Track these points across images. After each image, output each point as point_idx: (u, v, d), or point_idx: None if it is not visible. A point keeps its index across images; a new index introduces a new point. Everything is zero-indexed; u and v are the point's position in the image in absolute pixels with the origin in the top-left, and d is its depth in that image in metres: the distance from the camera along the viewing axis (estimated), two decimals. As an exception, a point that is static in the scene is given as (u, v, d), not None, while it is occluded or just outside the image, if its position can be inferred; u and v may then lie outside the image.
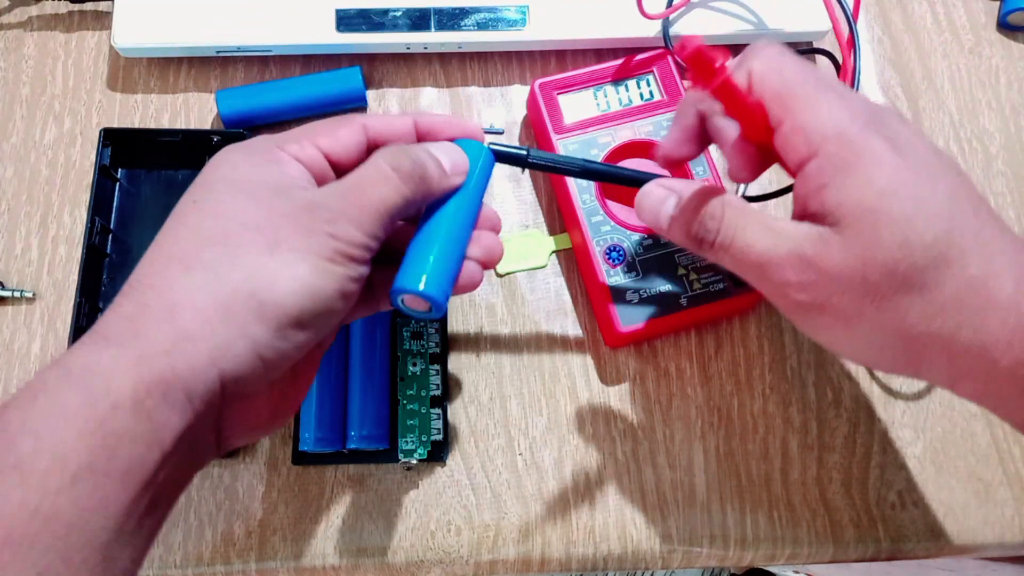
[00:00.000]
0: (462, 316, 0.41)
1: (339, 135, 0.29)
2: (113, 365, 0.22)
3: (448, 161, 0.30)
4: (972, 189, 0.27)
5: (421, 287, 0.28)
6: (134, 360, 0.23)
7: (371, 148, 0.30)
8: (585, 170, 0.35)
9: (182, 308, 0.24)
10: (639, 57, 0.42)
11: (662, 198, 0.31)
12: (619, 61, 0.42)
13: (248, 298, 0.24)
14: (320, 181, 0.28)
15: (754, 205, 0.33)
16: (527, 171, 0.44)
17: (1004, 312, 0.24)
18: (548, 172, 0.35)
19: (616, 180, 0.37)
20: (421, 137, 0.31)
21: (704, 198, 0.30)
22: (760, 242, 0.27)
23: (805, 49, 0.46)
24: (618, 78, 0.42)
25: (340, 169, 0.29)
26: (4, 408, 0.22)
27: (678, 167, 0.34)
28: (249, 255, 0.25)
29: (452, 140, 0.31)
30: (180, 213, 0.26)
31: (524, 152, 0.33)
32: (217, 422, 0.25)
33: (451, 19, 0.43)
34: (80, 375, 0.22)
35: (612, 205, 0.40)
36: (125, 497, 0.22)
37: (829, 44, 0.46)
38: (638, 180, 0.37)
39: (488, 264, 0.31)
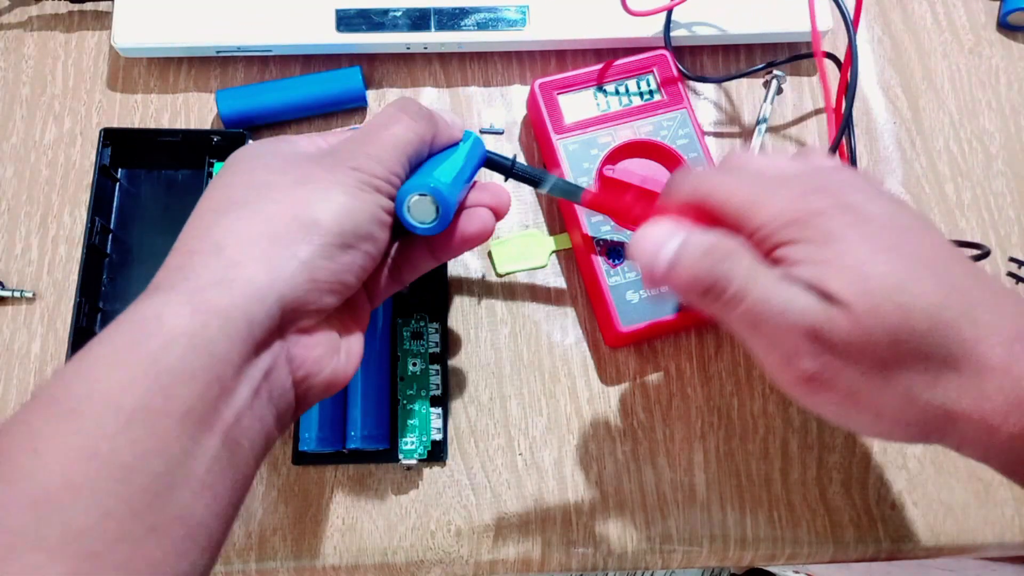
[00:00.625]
0: (462, 316, 0.41)
1: (340, 135, 0.30)
2: (164, 305, 0.23)
3: (448, 117, 0.32)
4: (944, 239, 0.26)
5: (430, 183, 0.28)
6: (186, 296, 0.23)
7: None
8: (560, 189, 0.36)
9: (227, 242, 0.24)
10: (640, 57, 0.42)
11: (664, 237, 0.28)
12: (601, 65, 0.42)
13: (290, 221, 0.25)
14: None
15: None
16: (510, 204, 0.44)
17: (999, 377, 0.24)
18: (527, 183, 0.35)
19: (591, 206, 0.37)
20: None
21: (720, 240, 0.27)
22: (778, 298, 0.25)
23: (805, 54, 0.46)
24: (617, 78, 0.42)
25: None
26: (63, 366, 0.22)
27: None
28: (280, 189, 0.26)
29: None
30: (206, 192, 0.27)
31: (512, 159, 0.34)
32: (288, 364, 0.25)
33: (451, 19, 0.43)
34: (131, 322, 0.22)
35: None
36: (186, 438, 0.21)
37: (829, 45, 0.46)
38: (614, 212, 0.37)
39: (498, 211, 0.32)
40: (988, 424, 0.24)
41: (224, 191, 0.26)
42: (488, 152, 0.34)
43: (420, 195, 0.28)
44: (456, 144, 0.32)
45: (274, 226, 0.25)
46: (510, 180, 0.35)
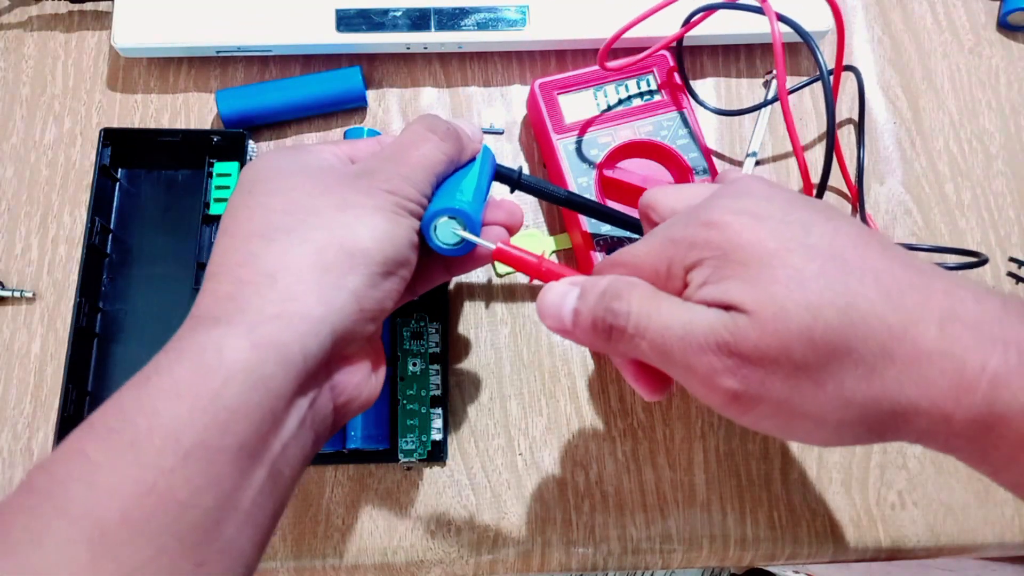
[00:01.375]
0: (462, 316, 0.41)
1: (358, 145, 0.31)
2: (223, 340, 0.23)
3: (468, 128, 0.32)
4: (851, 224, 0.25)
5: (455, 204, 0.29)
6: (245, 331, 0.23)
7: None
8: (569, 199, 0.36)
9: (280, 273, 0.24)
10: (640, 56, 0.42)
11: (563, 293, 0.27)
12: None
13: (338, 251, 0.25)
14: None
15: None
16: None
17: (938, 361, 0.22)
18: (535, 195, 0.35)
19: (598, 216, 0.38)
20: None
21: (614, 280, 0.26)
22: (678, 321, 0.24)
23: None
24: (618, 78, 0.42)
25: None
26: (118, 392, 0.22)
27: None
28: (322, 215, 0.26)
29: None
30: (236, 206, 0.27)
31: (517, 170, 0.35)
32: (331, 388, 0.26)
33: (451, 19, 0.43)
34: (192, 354, 0.22)
35: (612, 205, 0.40)
36: (237, 473, 0.22)
37: (830, 43, 0.46)
38: (619, 219, 0.37)
39: (512, 227, 0.33)
40: (941, 411, 0.22)
41: (264, 214, 0.26)
42: (499, 166, 0.34)
43: (448, 218, 0.29)
44: (474, 158, 0.33)
45: (324, 257, 0.25)
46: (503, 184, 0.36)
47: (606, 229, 0.40)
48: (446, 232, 0.29)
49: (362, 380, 0.27)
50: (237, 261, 0.25)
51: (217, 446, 0.21)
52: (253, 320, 0.23)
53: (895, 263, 0.24)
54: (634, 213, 0.41)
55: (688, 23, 0.40)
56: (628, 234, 0.40)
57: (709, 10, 0.39)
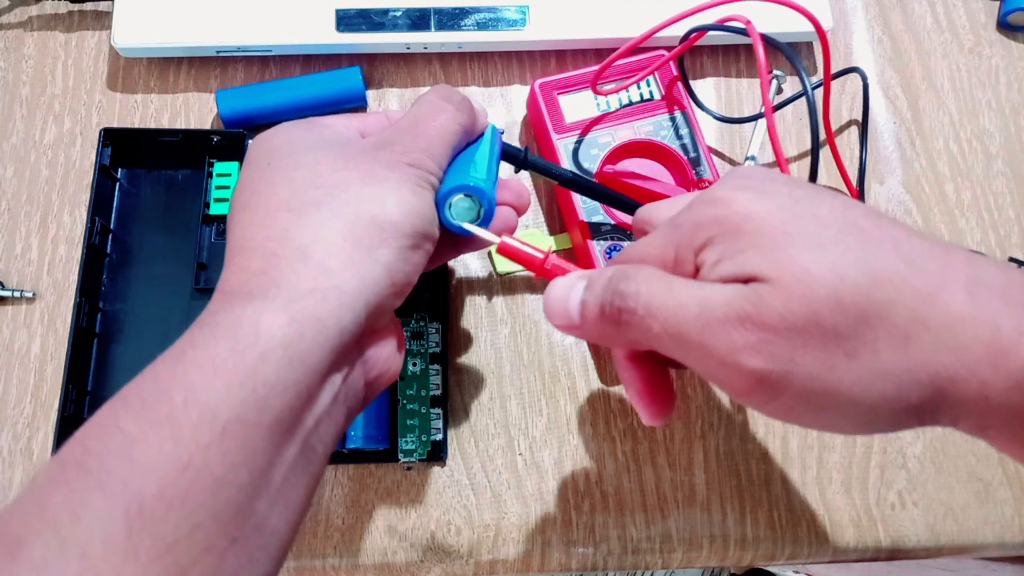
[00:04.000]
0: (462, 316, 0.41)
1: (367, 120, 0.30)
2: (259, 315, 0.22)
3: (476, 105, 0.31)
4: (858, 202, 0.24)
5: (470, 181, 0.28)
6: (282, 305, 0.23)
7: None
8: (574, 181, 0.36)
9: (313, 247, 0.24)
10: (641, 56, 0.42)
11: (568, 286, 0.26)
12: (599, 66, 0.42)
13: (369, 224, 0.25)
14: None
15: None
16: (529, 173, 0.44)
17: (971, 326, 0.21)
18: (542, 174, 0.35)
19: (600, 198, 0.38)
20: None
21: (621, 266, 0.25)
22: (693, 299, 0.23)
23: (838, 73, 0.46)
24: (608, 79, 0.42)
25: None
26: (152, 366, 0.22)
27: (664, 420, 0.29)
28: (350, 189, 0.25)
29: None
30: (256, 180, 0.26)
31: (524, 149, 0.34)
32: (363, 363, 0.26)
33: (451, 19, 0.43)
34: (228, 328, 0.22)
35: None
36: (272, 449, 0.22)
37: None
38: (621, 201, 0.37)
39: (520, 207, 0.33)
40: (979, 380, 0.21)
41: (291, 187, 0.26)
42: (505, 144, 0.34)
43: (464, 195, 0.28)
44: (482, 135, 0.32)
45: (356, 230, 0.24)
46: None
47: (606, 229, 0.40)
48: (460, 210, 0.29)
49: (391, 354, 0.27)
50: (267, 235, 0.24)
51: (254, 422, 0.21)
52: (288, 295, 0.23)
53: (911, 233, 0.23)
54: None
55: (682, 42, 0.40)
56: (627, 236, 0.40)
57: (700, 31, 0.39)
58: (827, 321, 0.21)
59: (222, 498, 0.20)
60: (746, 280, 0.22)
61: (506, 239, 0.29)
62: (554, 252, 0.42)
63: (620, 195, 0.37)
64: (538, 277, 0.29)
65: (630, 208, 0.38)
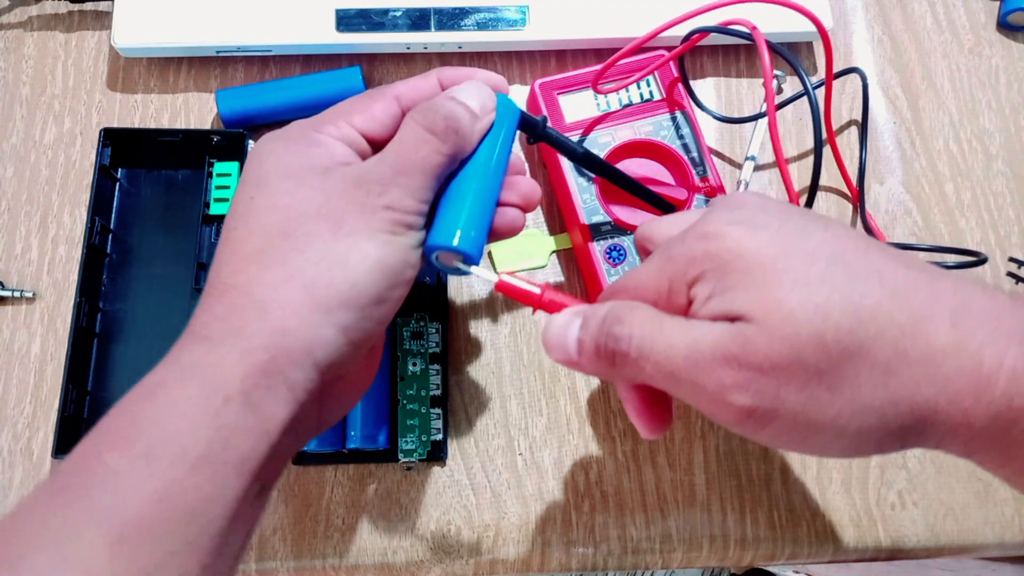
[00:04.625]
0: (462, 316, 0.41)
1: (374, 112, 0.29)
2: (220, 362, 0.24)
3: (475, 103, 0.29)
4: (848, 230, 0.25)
5: (455, 243, 0.28)
6: (238, 357, 0.24)
7: (405, 117, 0.30)
8: (587, 158, 0.35)
9: (271, 304, 0.25)
10: (641, 56, 0.42)
11: (566, 324, 0.27)
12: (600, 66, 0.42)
13: (328, 287, 0.25)
14: (361, 157, 0.29)
15: None
16: (528, 174, 0.44)
17: (954, 357, 0.22)
18: (555, 148, 0.34)
19: (612, 178, 0.37)
20: None
21: (615, 306, 0.26)
22: (682, 340, 0.24)
23: (840, 73, 0.46)
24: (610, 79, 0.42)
25: (377, 144, 0.29)
26: (127, 402, 0.23)
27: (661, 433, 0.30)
28: (316, 243, 0.26)
29: None
30: (240, 212, 0.27)
31: (542, 120, 0.33)
32: (319, 404, 0.27)
33: (451, 19, 0.43)
34: (192, 372, 0.24)
35: (612, 205, 0.40)
36: (240, 486, 0.23)
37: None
38: (631, 183, 0.37)
39: (527, 207, 0.32)
40: (960, 409, 0.22)
41: (262, 235, 0.26)
42: (522, 112, 0.32)
43: (447, 252, 0.28)
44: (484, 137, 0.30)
45: (314, 293, 0.25)
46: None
47: (606, 229, 0.40)
48: (449, 260, 0.29)
49: (349, 397, 0.29)
50: (234, 283, 0.25)
51: (221, 459, 0.23)
52: (244, 347, 0.24)
53: (898, 263, 0.23)
54: (634, 213, 0.41)
55: (683, 43, 0.40)
56: (627, 236, 0.40)
57: (702, 32, 0.38)
58: (810, 360, 0.22)
59: (195, 527, 0.22)
60: (734, 318, 0.23)
61: (503, 278, 0.30)
62: (553, 252, 0.42)
63: (631, 178, 0.37)
64: (536, 311, 0.30)
65: (640, 191, 0.38)
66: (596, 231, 0.40)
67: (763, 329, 0.22)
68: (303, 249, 0.25)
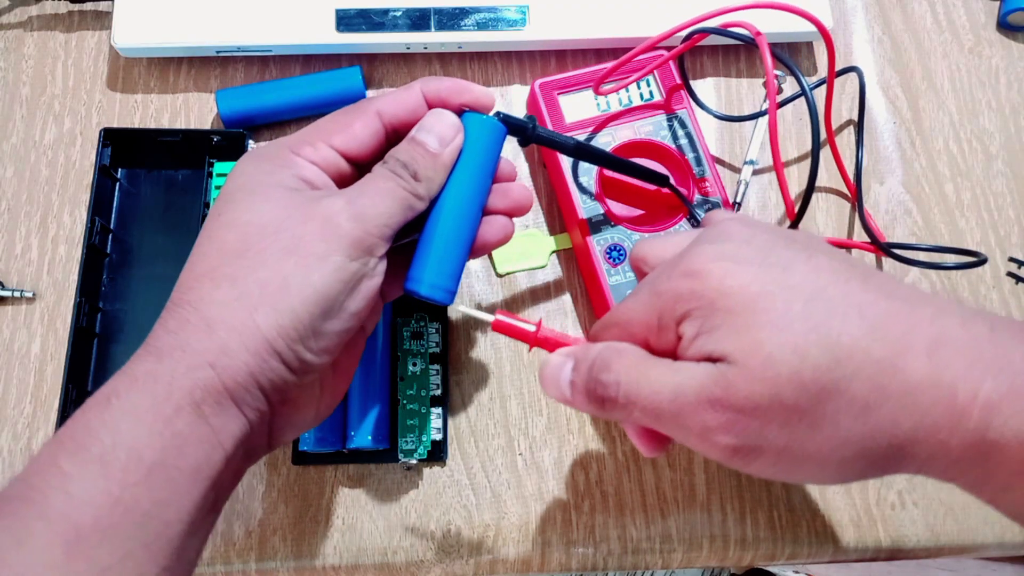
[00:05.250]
0: (462, 316, 0.41)
1: (354, 130, 0.29)
2: (170, 374, 0.24)
3: (434, 140, 0.29)
4: (832, 257, 0.25)
5: (424, 291, 0.29)
6: (184, 370, 0.24)
7: (388, 133, 0.30)
8: (578, 148, 0.35)
9: (217, 324, 0.25)
10: (641, 57, 0.42)
11: (560, 365, 0.28)
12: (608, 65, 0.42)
13: (270, 311, 0.25)
14: (337, 179, 0.29)
15: None
16: (528, 174, 0.44)
17: (930, 390, 0.22)
18: (547, 147, 0.34)
19: (607, 164, 0.37)
20: (431, 106, 0.30)
21: (604, 349, 0.27)
22: (667, 386, 0.25)
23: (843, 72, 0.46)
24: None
25: (359, 162, 0.30)
26: (82, 411, 0.24)
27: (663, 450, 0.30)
28: (268, 263, 0.26)
29: (460, 110, 0.31)
30: (207, 228, 0.27)
31: (530, 121, 0.32)
32: (269, 425, 0.27)
33: (451, 19, 0.43)
34: (144, 381, 0.24)
35: (612, 205, 0.40)
36: (195, 493, 0.24)
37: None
38: (627, 166, 0.37)
39: (519, 212, 0.32)
40: (937, 440, 0.22)
41: (219, 254, 0.26)
42: (508, 117, 0.32)
43: (423, 297, 0.29)
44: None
45: (257, 316, 0.25)
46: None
47: (606, 229, 0.40)
48: (433, 296, 0.30)
49: (304, 419, 0.29)
50: (188, 299, 0.26)
51: (175, 465, 0.23)
52: (190, 362, 0.24)
53: (879, 295, 0.24)
54: (634, 212, 0.41)
55: (683, 43, 0.40)
56: (627, 236, 0.40)
57: (703, 33, 0.38)
58: (790, 399, 0.23)
59: (151, 530, 0.23)
60: (717, 359, 0.24)
61: (499, 317, 0.31)
62: (553, 252, 0.42)
63: (632, 162, 0.37)
64: (533, 348, 0.31)
65: (643, 174, 0.38)
66: (595, 230, 0.40)
67: (744, 371, 0.23)
68: (254, 269, 0.26)
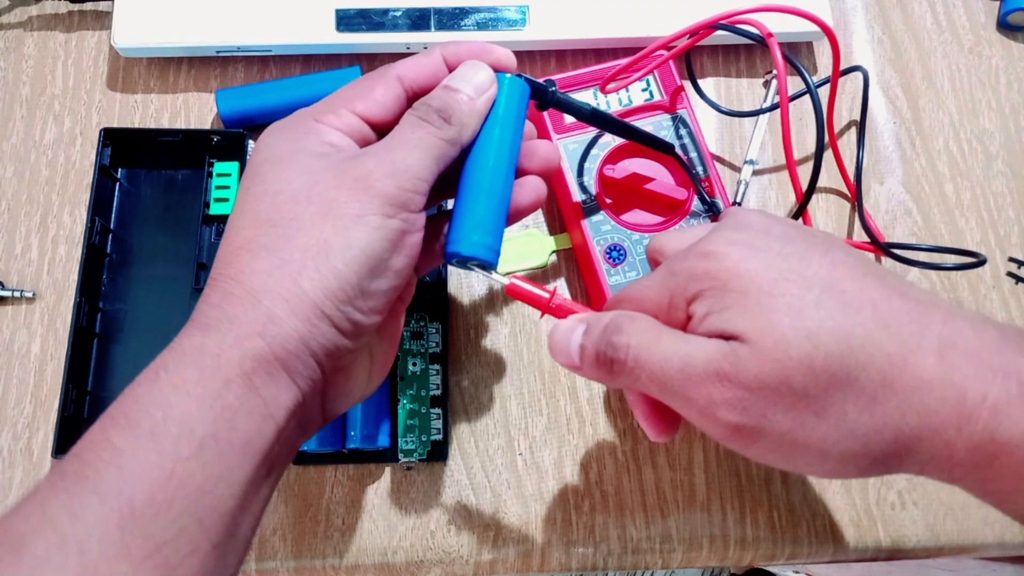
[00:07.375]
0: (462, 316, 0.41)
1: (376, 96, 0.29)
2: (218, 346, 0.24)
3: (469, 86, 0.29)
4: (847, 255, 0.25)
5: (474, 252, 0.29)
6: (232, 342, 0.24)
7: (409, 98, 0.30)
8: (595, 115, 0.35)
9: (261, 294, 0.25)
10: (640, 74, 0.42)
11: (570, 329, 0.28)
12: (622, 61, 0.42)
13: (312, 276, 0.25)
14: (362, 144, 0.29)
15: None
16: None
17: (939, 389, 0.22)
18: (564, 111, 0.34)
19: (618, 131, 0.37)
20: (452, 70, 0.30)
21: (618, 315, 0.27)
22: (677, 354, 0.25)
23: (847, 70, 0.46)
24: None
25: (382, 128, 0.29)
26: (131, 387, 0.24)
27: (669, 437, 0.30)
28: (304, 229, 0.25)
29: None
30: (238, 203, 0.27)
31: (549, 85, 0.32)
32: (322, 395, 0.27)
33: (451, 19, 0.43)
34: (193, 356, 0.24)
35: (612, 204, 0.40)
36: (248, 467, 0.23)
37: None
38: (643, 136, 0.37)
39: (549, 173, 0.32)
40: (943, 440, 0.22)
41: (253, 224, 0.26)
42: (530, 79, 0.31)
43: (466, 259, 0.29)
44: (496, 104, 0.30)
45: (299, 283, 0.25)
46: None
47: (606, 229, 0.40)
48: (465, 262, 0.29)
49: (356, 387, 0.29)
50: (228, 273, 0.25)
51: (226, 439, 0.23)
52: (238, 333, 0.24)
53: (892, 293, 0.24)
54: (634, 212, 0.41)
55: (691, 38, 0.40)
56: (627, 236, 0.40)
57: (711, 28, 0.38)
58: (798, 384, 0.23)
59: (204, 505, 0.22)
60: (728, 337, 0.24)
61: (514, 281, 0.30)
62: (553, 252, 0.42)
63: (642, 130, 0.37)
64: (544, 315, 0.30)
65: (657, 144, 0.38)
66: (596, 231, 0.40)
67: (755, 350, 0.23)
68: (291, 236, 0.25)
